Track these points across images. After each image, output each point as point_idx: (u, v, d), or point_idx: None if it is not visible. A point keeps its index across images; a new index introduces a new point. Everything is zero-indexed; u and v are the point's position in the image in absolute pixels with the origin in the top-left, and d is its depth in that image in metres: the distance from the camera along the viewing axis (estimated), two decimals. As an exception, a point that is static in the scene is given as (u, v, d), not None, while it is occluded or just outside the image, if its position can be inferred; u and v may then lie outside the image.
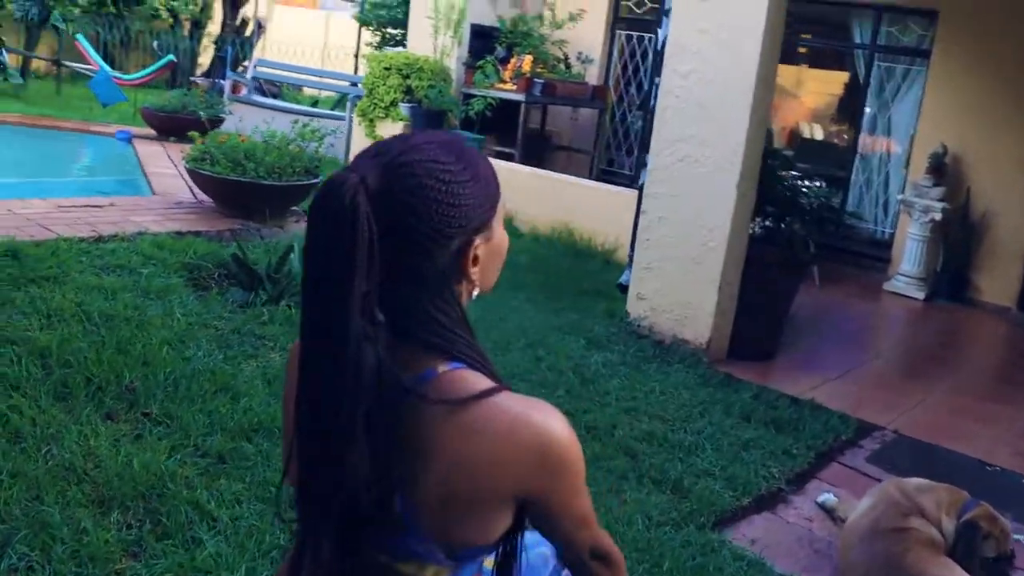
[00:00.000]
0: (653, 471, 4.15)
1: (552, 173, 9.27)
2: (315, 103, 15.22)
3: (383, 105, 10.20)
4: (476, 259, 1.36)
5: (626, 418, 4.69)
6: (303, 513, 1.35)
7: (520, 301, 6.55)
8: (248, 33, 19.10)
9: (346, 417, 1.25)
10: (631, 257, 6.40)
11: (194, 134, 7.29)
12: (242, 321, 5.17)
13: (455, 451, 1.31)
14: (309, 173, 7.31)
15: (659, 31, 6.23)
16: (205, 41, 19.91)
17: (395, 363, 1.31)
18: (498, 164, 9.49)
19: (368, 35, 15.67)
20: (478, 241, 1.36)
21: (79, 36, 13.68)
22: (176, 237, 6.35)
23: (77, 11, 15.87)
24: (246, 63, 16.49)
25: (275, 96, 15.13)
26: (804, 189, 6.27)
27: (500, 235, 1.43)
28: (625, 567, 1.57)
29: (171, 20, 18.96)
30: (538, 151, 10.57)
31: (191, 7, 18.86)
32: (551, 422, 1.34)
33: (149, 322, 4.86)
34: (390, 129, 10.31)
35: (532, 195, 9.02)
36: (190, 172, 7.20)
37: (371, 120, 10.43)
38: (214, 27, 19.99)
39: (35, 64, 16.16)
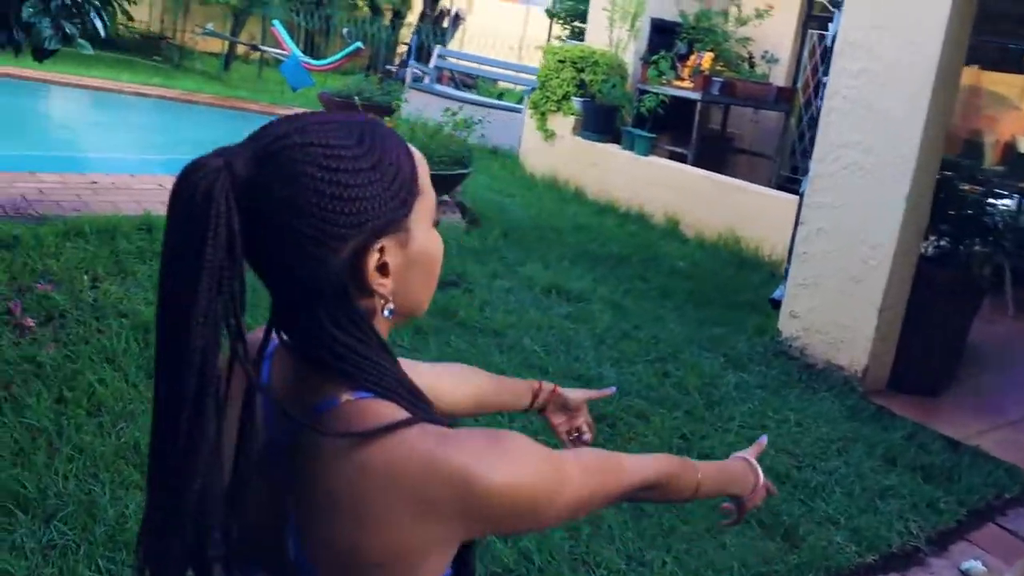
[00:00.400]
0: (765, 513, 3.68)
1: (722, 176, 8.77)
2: (500, 95, 15.16)
3: (555, 98, 9.96)
4: (385, 267, 1.09)
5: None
6: (141, 546, 1.10)
7: (665, 310, 6.15)
8: (445, 24, 19.30)
9: (184, 442, 1.02)
10: (787, 271, 5.88)
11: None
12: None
13: (357, 494, 1.05)
14: (458, 163, 7.13)
15: (831, 26, 5.67)
16: (405, 31, 20.31)
17: (299, 390, 1.11)
18: (667, 165, 9.09)
19: (559, 29, 15.54)
20: (383, 244, 1.08)
21: (276, 22, 14.12)
22: (315, 220, 6.28)
23: (277, -1, 16.52)
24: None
25: (469, 88, 15.21)
26: (990, 207, 5.56)
27: (424, 240, 1.14)
28: (670, 470, 1.38)
29: (367, 9, 19.41)
30: (717, 154, 10.06)
31: (389, -3, 19.26)
32: (481, 461, 1.05)
33: (258, 303, 4.76)
34: (561, 123, 10.08)
35: (700, 199, 8.57)
36: (340, 156, 7.14)
37: (542, 113, 10.22)
38: (415, 17, 20.36)
39: (240, 49, 16.89)
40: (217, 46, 16.93)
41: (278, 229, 1.02)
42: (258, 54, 16.35)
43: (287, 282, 1.07)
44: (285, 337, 1.14)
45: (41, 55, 3.13)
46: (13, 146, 8.57)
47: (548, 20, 16.01)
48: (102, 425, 3.51)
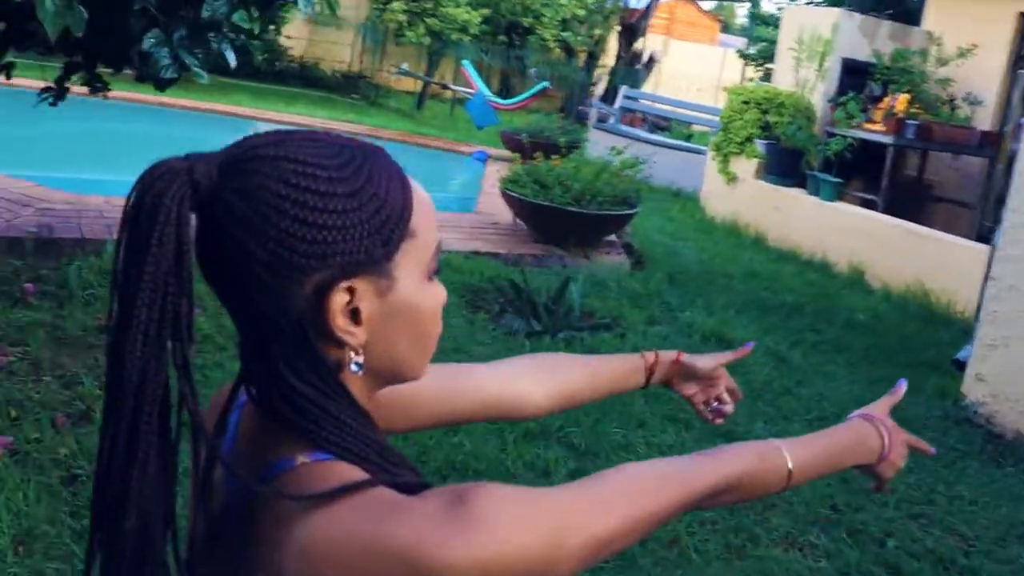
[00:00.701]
0: (921, 603, 3.26)
1: (913, 225, 8.16)
2: (689, 137, 14.89)
3: (738, 140, 9.61)
4: (357, 314, 0.92)
5: (909, 526, 3.78)
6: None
7: (836, 365, 5.71)
8: (638, 66, 19.23)
9: (119, 469, 0.90)
10: (975, 329, 5.34)
11: (516, 155, 7.18)
12: (498, 349, 4.88)
13: (300, 571, 0.88)
14: (624, 203, 6.91)
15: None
16: (599, 72, 20.39)
17: (260, 446, 0.97)
18: (855, 211, 8.56)
19: (752, 71, 15.15)
20: (353, 285, 0.91)
21: (465, 62, 14.40)
22: (470, 257, 6.22)
23: (468, 39, 16.82)
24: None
25: (662, 130, 15.09)
26: None
27: (412, 291, 0.96)
28: (742, 467, 1.11)
29: (558, 50, 19.56)
30: (912, 201, 9.41)
31: (580, 38, 19.33)
32: (436, 536, 0.84)
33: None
34: (743, 166, 9.71)
35: (889, 248, 8.02)
36: (502, 193, 7.10)
37: (725, 155, 9.87)
38: (609, 59, 20.43)
39: (433, 88, 17.37)
40: (412, 85, 17.48)
41: (233, 249, 0.89)
42: (450, 93, 16.77)
43: (245, 315, 0.94)
44: (252, 388, 0.99)
45: (160, 84, 3.16)
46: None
47: (743, 63, 15.64)
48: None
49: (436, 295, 0.98)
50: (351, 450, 0.92)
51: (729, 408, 1.57)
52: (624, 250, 7.44)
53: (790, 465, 1.18)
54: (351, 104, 16.45)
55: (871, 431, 1.30)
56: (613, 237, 7.53)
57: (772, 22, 16.98)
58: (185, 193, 0.87)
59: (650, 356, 1.50)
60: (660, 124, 15.72)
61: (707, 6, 30.77)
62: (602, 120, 13.07)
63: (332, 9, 4.12)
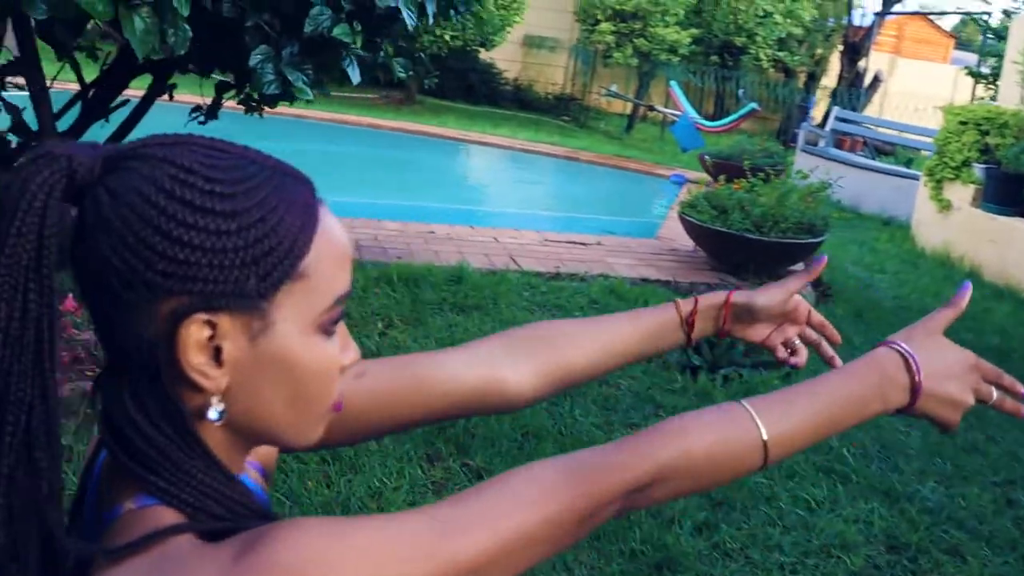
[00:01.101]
0: None
1: None
2: (908, 162, 13.98)
3: (953, 165, 8.87)
4: (219, 354, 0.79)
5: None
6: None
7: (1040, 419, 5.07)
8: (861, 87, 18.30)
9: None
10: None
11: (702, 179, 6.89)
12: (649, 383, 4.63)
13: None
14: (808, 231, 6.47)
15: None
16: (820, 94, 19.60)
17: (110, 488, 0.85)
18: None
19: (983, 90, 14.09)
20: (212, 318, 0.78)
21: (673, 83, 14.13)
22: (637, 284, 5.98)
23: (677, 60, 16.47)
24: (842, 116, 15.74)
25: (886, 155, 14.30)
26: None
27: (293, 343, 0.81)
28: (687, 447, 0.88)
29: (772, 70, 18.89)
30: None
31: (798, 58, 18.58)
32: None
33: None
34: (958, 193, 8.95)
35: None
36: (680, 217, 6.80)
37: (938, 181, 9.14)
38: (831, 80, 19.62)
39: (641, 109, 17.17)
40: (623, 107, 17.39)
41: (92, 253, 0.79)
42: (660, 115, 16.54)
43: (100, 333, 0.83)
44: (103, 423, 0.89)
45: (266, 100, 3.14)
46: (374, 195, 9.07)
47: (973, 82, 14.56)
48: (329, 475, 3.44)
49: (329, 354, 0.82)
50: (186, 500, 0.79)
51: (833, 355, 1.22)
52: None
53: (764, 435, 0.90)
54: (559, 126, 16.50)
55: (896, 362, 0.96)
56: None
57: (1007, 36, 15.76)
58: (56, 181, 0.77)
59: (686, 304, 1.20)
60: (884, 149, 14.86)
61: (946, 24, 29.06)
62: (811, 143, 12.45)
63: (482, 28, 4.02)
